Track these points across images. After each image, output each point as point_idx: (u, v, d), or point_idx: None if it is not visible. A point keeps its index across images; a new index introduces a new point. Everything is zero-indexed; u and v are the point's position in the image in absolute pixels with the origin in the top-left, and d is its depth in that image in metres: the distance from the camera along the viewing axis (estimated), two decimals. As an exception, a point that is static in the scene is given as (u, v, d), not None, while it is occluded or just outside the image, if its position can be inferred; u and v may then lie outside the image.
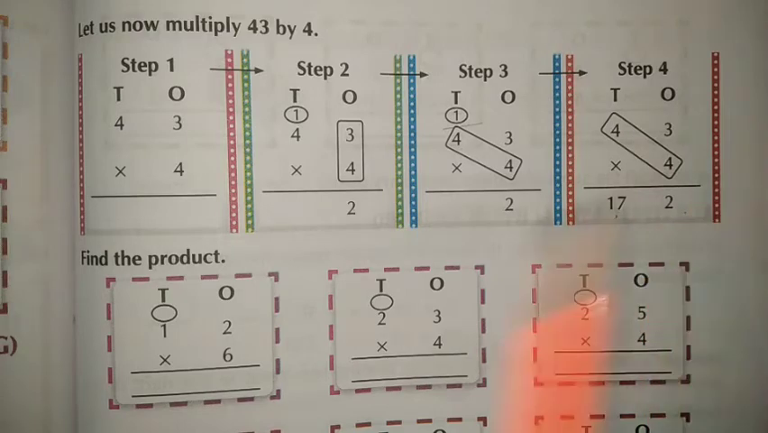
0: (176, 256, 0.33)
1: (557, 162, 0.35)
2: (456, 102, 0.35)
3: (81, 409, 0.33)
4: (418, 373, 0.35)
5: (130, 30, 0.32)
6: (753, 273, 0.35)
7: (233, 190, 0.33)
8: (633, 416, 0.35)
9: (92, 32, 0.32)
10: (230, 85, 0.33)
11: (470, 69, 0.35)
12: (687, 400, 0.35)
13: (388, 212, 0.34)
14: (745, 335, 0.35)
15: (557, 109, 0.35)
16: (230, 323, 0.33)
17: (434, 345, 0.35)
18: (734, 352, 0.35)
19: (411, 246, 0.35)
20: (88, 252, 0.33)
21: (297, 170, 0.34)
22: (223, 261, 0.33)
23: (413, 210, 0.35)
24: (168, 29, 0.32)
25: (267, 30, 0.33)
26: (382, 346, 0.34)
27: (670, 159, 0.35)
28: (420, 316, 0.35)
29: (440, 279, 0.35)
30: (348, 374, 0.34)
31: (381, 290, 0.34)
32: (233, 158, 0.33)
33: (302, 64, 0.34)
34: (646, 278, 0.35)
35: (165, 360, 0.33)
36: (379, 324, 0.34)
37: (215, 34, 0.33)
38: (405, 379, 0.35)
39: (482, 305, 0.35)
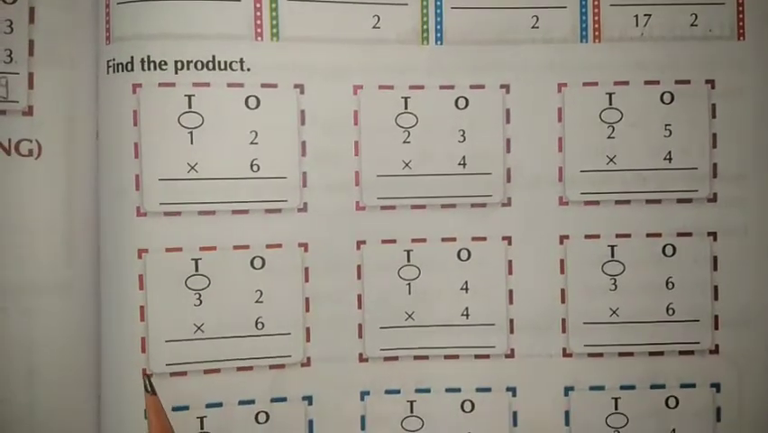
0: (201, 62, 0.33)
1: (582, -21, 0.35)
2: None
3: (105, 217, 0.33)
4: (443, 193, 0.35)
5: None
6: (778, 91, 0.35)
7: (258, -3, 0.33)
8: (659, 235, 0.35)
9: None
10: None
11: None
12: (714, 218, 0.35)
13: (414, 28, 0.34)
14: (771, 151, 0.35)
15: (583, -72, 0.35)
16: (256, 133, 0.33)
17: (459, 164, 0.35)
18: (759, 169, 0.35)
19: (436, 64, 0.34)
20: (114, 60, 0.32)
21: (321, -20, 0.33)
22: (248, 69, 0.33)
23: (438, 27, 0.34)
24: None
25: None
26: (407, 165, 0.34)
27: (695, -24, 0.35)
28: (445, 135, 0.35)
29: (465, 98, 0.35)
30: (373, 191, 0.34)
31: (406, 107, 0.34)
32: (256, -36, 0.33)
33: None
34: (672, 95, 0.35)
35: (192, 167, 0.33)
36: (404, 142, 0.34)
37: None
38: (429, 198, 0.34)
39: (507, 125, 0.35)
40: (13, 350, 0.32)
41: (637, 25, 0.35)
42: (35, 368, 0.32)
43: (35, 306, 0.32)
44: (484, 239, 0.35)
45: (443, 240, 0.35)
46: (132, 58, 0.32)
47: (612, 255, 0.35)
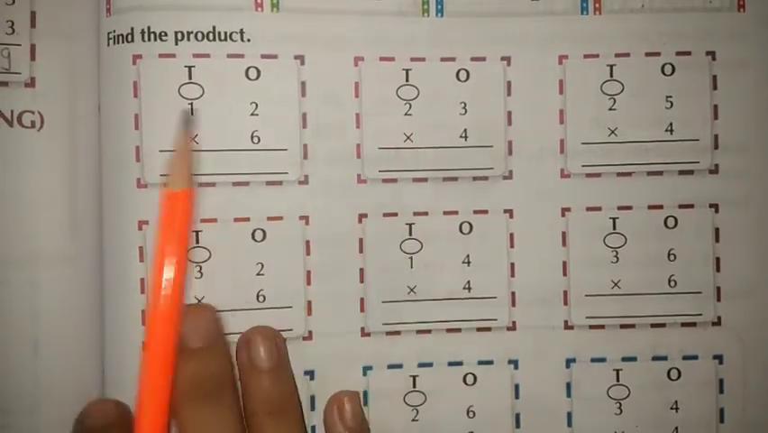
0: (201, 33, 0.33)
1: (583, -49, 0.35)
2: None
3: (107, 188, 0.33)
4: (444, 165, 0.35)
5: None
6: (780, 62, 0.35)
7: (258, -33, 0.33)
8: (661, 207, 0.35)
9: None
10: None
11: None
12: (715, 190, 0.35)
13: None
14: (773, 122, 0.35)
15: None
16: (257, 105, 0.33)
17: (461, 137, 0.35)
18: (760, 140, 0.35)
19: (437, 36, 0.34)
20: (114, 31, 0.32)
21: (321, -49, 0.33)
22: (248, 40, 0.33)
23: (438, -1, 0.34)
24: None
25: None
26: (408, 137, 0.34)
27: (696, -52, 0.35)
28: (446, 107, 0.35)
29: (466, 70, 0.35)
30: (374, 164, 0.34)
31: (407, 80, 0.34)
32: (256, -66, 0.33)
33: None
34: (673, 67, 0.35)
35: (193, 139, 0.33)
36: (406, 114, 0.34)
37: None
38: (431, 171, 0.34)
39: (508, 97, 0.35)
40: (18, 322, 0.32)
41: (638, -3, 0.35)
42: (39, 340, 0.32)
43: (39, 277, 0.32)
44: (486, 212, 0.35)
45: (445, 213, 0.35)
46: (132, 29, 0.32)
47: (614, 227, 0.35)
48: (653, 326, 0.35)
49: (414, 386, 0.35)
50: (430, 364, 0.35)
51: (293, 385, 0.30)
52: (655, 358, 0.35)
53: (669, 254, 0.35)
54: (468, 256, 0.35)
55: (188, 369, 0.27)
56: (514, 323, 0.35)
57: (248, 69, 0.33)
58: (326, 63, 0.34)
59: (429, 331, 0.35)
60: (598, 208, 0.35)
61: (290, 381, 0.30)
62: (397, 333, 0.35)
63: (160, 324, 0.26)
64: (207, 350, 0.28)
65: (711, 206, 0.35)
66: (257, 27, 0.33)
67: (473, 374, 0.35)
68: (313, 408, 0.34)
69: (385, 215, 0.34)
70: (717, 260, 0.35)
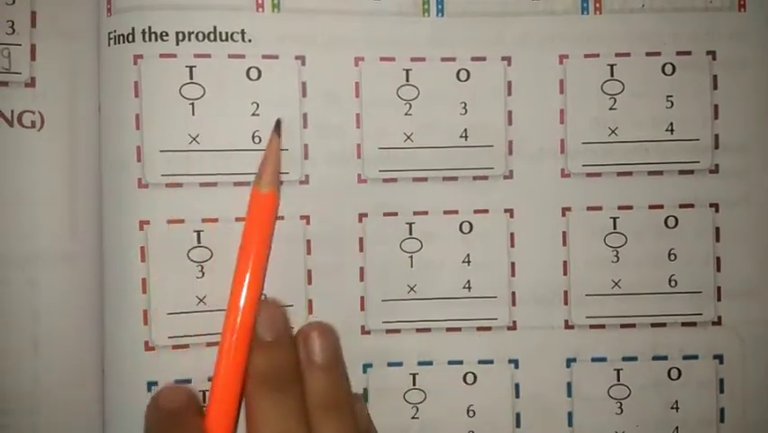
0: (202, 33, 0.33)
1: (583, -49, 0.35)
2: None
3: (107, 188, 0.33)
4: (445, 165, 0.35)
5: None
6: (780, 62, 0.35)
7: (259, -33, 0.33)
8: (661, 206, 0.35)
9: None
10: None
11: None
12: (715, 190, 0.35)
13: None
14: (773, 122, 0.35)
15: None
16: (258, 105, 0.33)
17: (461, 137, 0.35)
18: (761, 140, 0.35)
19: (437, 36, 0.34)
20: (115, 31, 0.32)
21: (321, -49, 0.33)
22: (249, 40, 0.33)
23: (439, -2, 0.34)
24: None
25: None
26: (409, 137, 0.34)
27: (696, -52, 0.35)
28: (446, 107, 0.35)
29: (466, 70, 0.35)
30: (375, 164, 0.34)
31: (408, 80, 0.34)
32: (256, -64, 0.33)
33: None
34: (674, 67, 0.35)
35: (194, 139, 0.33)
36: (406, 114, 0.34)
37: None
38: (431, 170, 0.34)
39: (509, 97, 0.35)
40: (18, 322, 0.32)
41: (638, -4, 0.35)
42: (39, 339, 0.32)
43: (39, 277, 0.32)
44: (486, 211, 0.35)
45: (445, 213, 0.35)
46: (133, 29, 0.32)
47: (614, 227, 0.35)
48: (653, 325, 0.35)
49: (414, 384, 0.35)
50: (430, 363, 0.35)
51: (347, 381, 0.31)
52: (656, 358, 0.35)
53: (669, 254, 0.35)
54: (468, 256, 0.35)
55: (260, 360, 0.29)
56: (514, 322, 0.35)
57: (249, 69, 0.33)
58: (327, 63, 0.34)
59: (429, 330, 0.35)
60: (599, 208, 0.35)
61: (344, 376, 0.31)
62: (398, 331, 0.35)
63: (237, 318, 0.29)
64: (277, 343, 0.30)
65: (711, 205, 0.35)
66: (258, 27, 0.33)
67: (473, 373, 0.35)
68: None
69: (385, 214, 0.34)
70: (718, 260, 0.35)
